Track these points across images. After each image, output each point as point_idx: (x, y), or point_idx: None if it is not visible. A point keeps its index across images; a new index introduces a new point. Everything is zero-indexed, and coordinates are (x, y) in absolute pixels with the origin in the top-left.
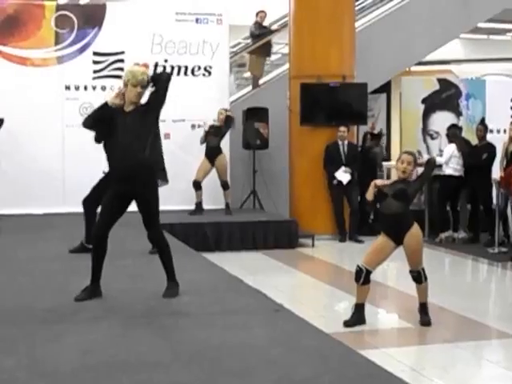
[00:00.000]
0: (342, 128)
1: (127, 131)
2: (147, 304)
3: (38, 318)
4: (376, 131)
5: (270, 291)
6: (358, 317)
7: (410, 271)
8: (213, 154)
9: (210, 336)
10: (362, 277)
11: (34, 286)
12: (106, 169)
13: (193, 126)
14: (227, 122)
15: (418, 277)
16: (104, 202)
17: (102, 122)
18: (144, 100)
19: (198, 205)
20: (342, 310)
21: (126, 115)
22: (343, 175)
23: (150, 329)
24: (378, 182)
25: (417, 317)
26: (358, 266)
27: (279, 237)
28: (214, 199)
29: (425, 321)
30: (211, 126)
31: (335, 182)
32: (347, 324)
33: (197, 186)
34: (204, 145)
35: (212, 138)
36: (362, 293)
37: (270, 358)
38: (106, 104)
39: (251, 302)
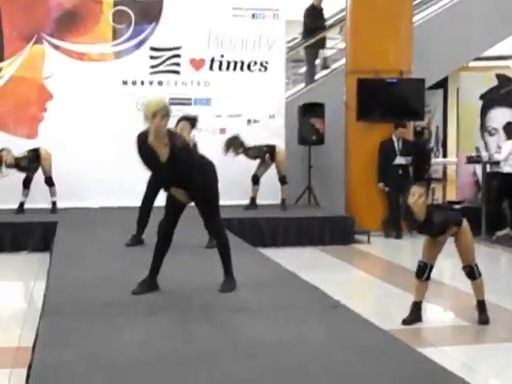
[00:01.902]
0: (402, 129)
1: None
2: (204, 298)
3: (97, 311)
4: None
5: (326, 287)
6: (416, 315)
7: (463, 267)
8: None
9: (266, 331)
10: (426, 272)
11: (92, 280)
12: None
13: (248, 121)
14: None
15: (472, 272)
16: (167, 201)
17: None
18: None
19: (253, 199)
20: (397, 307)
21: (157, 162)
22: (401, 159)
23: (207, 323)
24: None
25: (473, 315)
26: (420, 261)
27: (335, 233)
28: (269, 194)
29: (483, 319)
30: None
31: (381, 186)
32: (406, 322)
33: (255, 180)
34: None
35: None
36: (422, 289)
37: (328, 354)
38: None
39: (308, 298)
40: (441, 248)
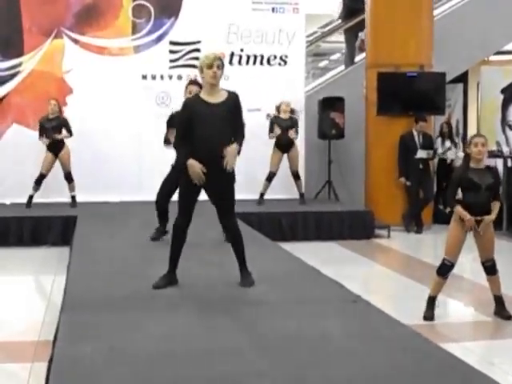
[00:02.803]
0: (423, 123)
1: (211, 122)
2: (223, 292)
3: (117, 305)
4: None
5: (345, 281)
6: (433, 309)
7: (485, 261)
8: (286, 147)
9: (286, 325)
10: (451, 271)
11: (112, 274)
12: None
13: (268, 116)
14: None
15: (493, 266)
16: (183, 193)
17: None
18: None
19: (262, 195)
20: (417, 301)
21: (211, 107)
22: (422, 152)
23: (226, 317)
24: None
25: (493, 309)
26: (444, 259)
27: (355, 227)
28: (288, 189)
29: (506, 314)
30: (276, 117)
31: (402, 180)
32: (428, 318)
33: (270, 178)
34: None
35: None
36: (441, 286)
37: (348, 348)
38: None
39: (328, 292)
40: (463, 243)
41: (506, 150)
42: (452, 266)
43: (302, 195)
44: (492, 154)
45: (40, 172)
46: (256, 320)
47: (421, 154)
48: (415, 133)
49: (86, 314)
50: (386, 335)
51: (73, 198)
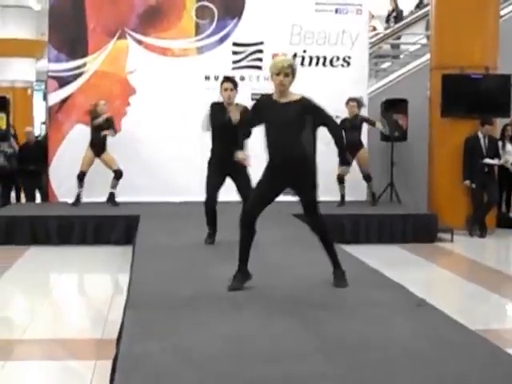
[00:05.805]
0: (488, 127)
1: (280, 123)
2: (289, 293)
3: (180, 304)
4: None
5: (408, 285)
6: None
7: None
8: (354, 148)
9: (352, 328)
10: None
11: (175, 272)
12: None
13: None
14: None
15: None
16: (259, 186)
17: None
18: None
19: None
20: (481, 306)
21: (280, 106)
22: (491, 160)
23: (291, 319)
24: None
25: None
26: None
27: (417, 231)
28: (353, 191)
29: None
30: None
31: (467, 183)
32: None
33: (341, 180)
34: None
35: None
36: None
37: (413, 351)
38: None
39: (393, 296)
40: None
41: None
42: None
43: (373, 195)
44: None
45: (80, 170)
46: (320, 322)
47: (489, 160)
48: (481, 136)
49: (150, 312)
50: (451, 339)
51: (111, 194)
